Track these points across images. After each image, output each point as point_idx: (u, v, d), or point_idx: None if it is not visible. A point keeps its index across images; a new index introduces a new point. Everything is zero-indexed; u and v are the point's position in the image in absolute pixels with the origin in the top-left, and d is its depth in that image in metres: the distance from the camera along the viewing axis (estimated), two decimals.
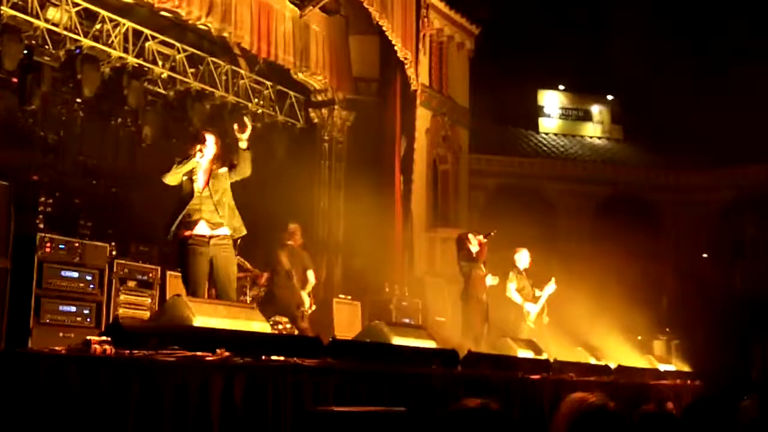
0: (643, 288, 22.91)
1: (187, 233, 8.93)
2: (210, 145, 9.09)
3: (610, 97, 32.73)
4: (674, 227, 28.65)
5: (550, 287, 14.63)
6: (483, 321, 13.62)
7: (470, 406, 3.54)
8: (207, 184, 9.07)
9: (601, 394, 4.28)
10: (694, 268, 27.05)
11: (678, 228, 28.55)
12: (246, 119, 9.40)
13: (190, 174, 9.01)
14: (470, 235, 13.89)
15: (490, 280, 13.88)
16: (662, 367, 15.50)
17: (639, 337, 19.10)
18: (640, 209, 28.53)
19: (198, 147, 8.97)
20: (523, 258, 14.68)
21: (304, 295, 13.05)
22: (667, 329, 21.73)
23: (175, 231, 8.98)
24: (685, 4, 30.18)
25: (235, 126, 9.25)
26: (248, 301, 12.91)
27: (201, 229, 8.99)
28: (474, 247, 13.70)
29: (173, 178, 8.99)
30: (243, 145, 9.19)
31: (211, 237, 9.01)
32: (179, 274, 12.12)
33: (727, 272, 26.46)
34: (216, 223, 9.05)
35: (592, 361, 13.18)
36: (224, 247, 9.07)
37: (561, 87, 32.43)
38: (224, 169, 9.16)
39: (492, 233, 13.97)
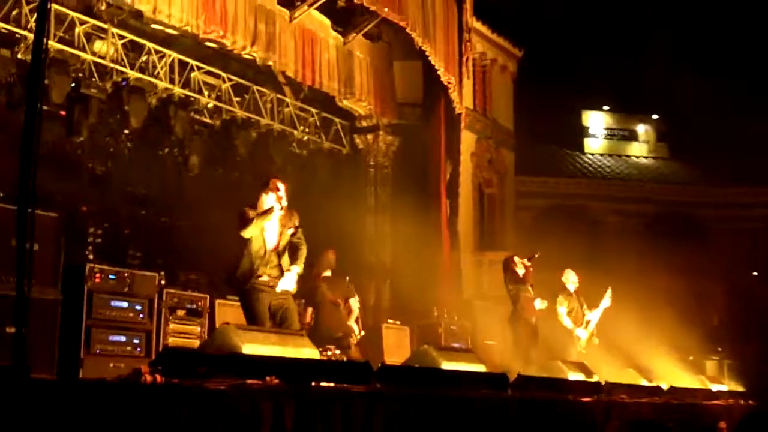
0: (693, 307, 22.69)
1: (251, 281, 8.94)
2: (284, 194, 9.10)
3: (654, 116, 32.54)
4: (723, 244, 28.34)
5: (606, 300, 14.50)
6: (532, 343, 13.55)
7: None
8: (279, 241, 9.11)
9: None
10: (744, 286, 26.74)
11: (727, 245, 28.23)
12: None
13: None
14: (516, 258, 13.84)
15: (539, 304, 13.79)
16: (714, 387, 15.32)
17: (690, 357, 18.89)
18: (687, 227, 28.29)
19: (276, 197, 8.98)
20: (570, 278, 14.58)
21: (352, 324, 13.02)
22: (719, 349, 21.48)
23: (240, 280, 8.98)
24: (727, 21, 29.98)
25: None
26: None
27: (264, 279, 9.02)
28: (520, 270, 13.65)
29: (253, 230, 8.96)
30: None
31: (272, 286, 9.04)
32: (228, 302, 12.26)
33: None
34: (278, 277, 9.08)
35: (644, 382, 13.06)
36: (285, 299, 9.11)
37: (605, 107, 32.31)
38: (291, 230, 9.18)
39: (536, 255, 13.90)
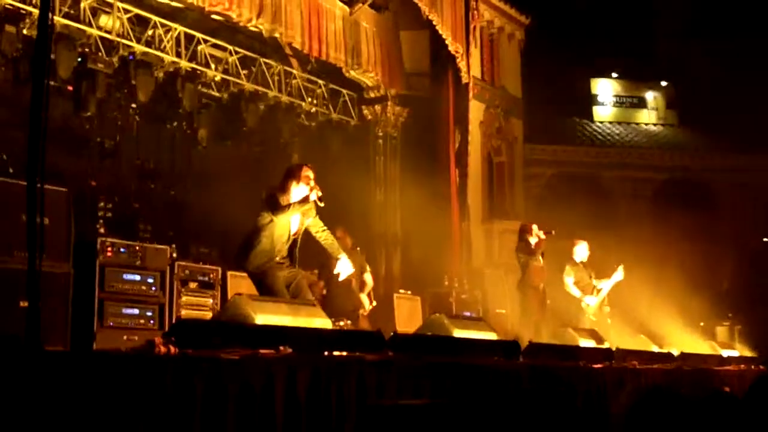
0: (704, 273, 22.68)
1: (267, 263, 8.98)
2: (315, 181, 9.10)
3: (664, 83, 32.40)
4: (733, 211, 28.27)
5: (618, 275, 14.52)
6: (540, 310, 13.59)
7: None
8: (299, 229, 9.16)
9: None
10: (754, 252, 26.72)
11: (737, 212, 28.16)
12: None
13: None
14: (534, 226, 13.80)
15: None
16: (725, 353, 15.33)
17: (701, 324, 18.91)
18: (698, 194, 28.21)
19: (309, 187, 8.98)
20: (581, 250, 14.59)
21: (363, 297, 13.03)
22: (730, 314, 21.49)
23: (256, 262, 9.01)
24: None
25: None
26: None
27: (278, 259, 9.07)
28: (533, 239, 13.65)
29: (287, 216, 8.99)
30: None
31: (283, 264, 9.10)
32: (240, 273, 12.26)
33: None
34: (286, 261, 9.16)
35: (655, 348, 13.08)
36: (296, 273, 9.17)
37: (614, 74, 32.16)
38: (310, 219, 9.22)
39: (552, 232, 13.87)
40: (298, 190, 9.01)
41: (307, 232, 9.31)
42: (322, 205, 9.07)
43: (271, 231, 8.98)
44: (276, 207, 8.90)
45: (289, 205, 8.90)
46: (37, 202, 5.12)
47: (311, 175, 9.11)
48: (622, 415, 4.08)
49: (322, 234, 9.40)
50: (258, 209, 9.06)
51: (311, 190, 8.94)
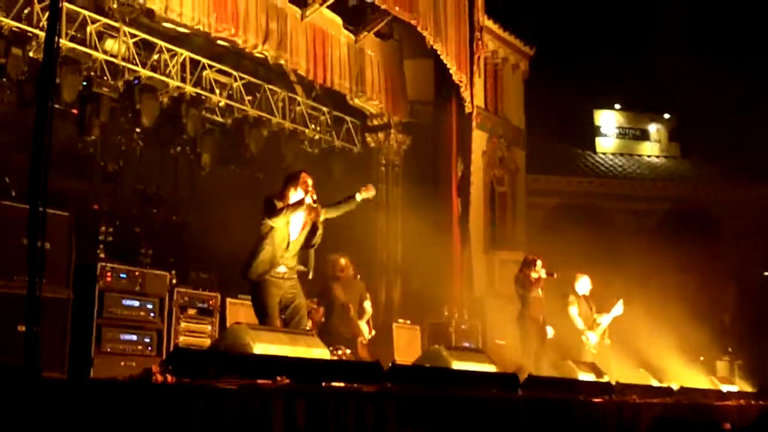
0: (705, 306, 22.66)
1: (269, 272, 8.97)
2: (312, 187, 9.14)
3: (666, 116, 32.48)
4: (735, 244, 28.30)
5: (617, 309, 14.49)
6: (540, 342, 13.55)
7: None
8: (299, 235, 9.17)
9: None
10: (755, 286, 26.70)
11: (739, 244, 28.18)
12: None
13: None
14: (539, 262, 13.72)
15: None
16: (725, 388, 15.31)
17: (701, 358, 18.87)
18: (699, 226, 28.22)
19: (308, 191, 9.03)
20: (583, 284, 14.56)
21: (362, 325, 13.00)
22: (730, 349, 21.46)
23: (258, 270, 8.99)
24: (739, 19, 29.93)
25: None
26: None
27: (281, 269, 9.07)
28: (535, 275, 13.59)
29: (282, 221, 9.00)
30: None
31: (285, 279, 9.11)
32: (239, 300, 12.26)
33: None
34: (293, 267, 9.17)
35: (654, 383, 13.05)
36: (296, 294, 9.17)
37: (617, 106, 32.26)
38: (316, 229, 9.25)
39: (555, 275, 13.81)
40: (296, 196, 9.07)
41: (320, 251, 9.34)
42: (316, 206, 9.10)
43: (272, 238, 9.01)
44: (271, 211, 8.93)
45: (282, 209, 8.92)
46: (39, 227, 5.11)
47: (309, 181, 9.16)
48: None
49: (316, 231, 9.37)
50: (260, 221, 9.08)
51: (306, 194, 8.96)
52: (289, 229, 9.09)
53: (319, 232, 9.28)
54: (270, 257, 8.98)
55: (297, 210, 8.98)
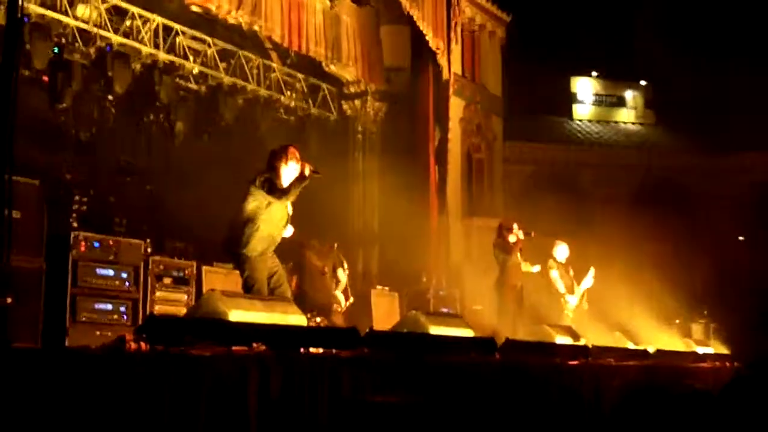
0: (680, 272, 22.73)
1: (261, 247, 8.91)
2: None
3: (643, 83, 32.51)
4: (709, 210, 28.40)
5: (588, 280, 14.53)
6: (518, 308, 13.57)
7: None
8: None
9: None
10: (730, 251, 26.83)
11: (713, 211, 28.28)
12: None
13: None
14: (515, 225, 13.73)
15: (532, 268, 13.80)
16: (701, 350, 15.37)
17: (677, 321, 18.96)
18: (675, 193, 28.32)
19: (301, 165, 8.88)
20: (561, 251, 14.59)
21: (338, 294, 12.95)
22: (705, 312, 21.56)
23: (258, 248, 8.92)
24: None
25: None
26: None
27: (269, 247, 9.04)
28: (512, 237, 13.59)
29: (292, 197, 8.91)
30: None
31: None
32: (215, 269, 12.18)
33: (762, 254, 26.24)
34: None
35: (631, 345, 13.07)
36: (277, 264, 9.15)
37: (594, 73, 32.26)
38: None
39: (532, 234, 13.83)
40: (288, 170, 8.90)
41: None
42: (320, 176, 8.99)
43: (269, 215, 8.89)
44: (276, 190, 8.79)
45: (290, 187, 8.80)
46: (6, 194, 5.01)
47: (297, 153, 9.03)
48: (612, 410, 4.05)
49: None
50: (244, 195, 8.91)
51: (303, 166, 8.86)
52: (288, 207, 9.01)
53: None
54: (268, 234, 8.90)
55: (305, 183, 8.85)
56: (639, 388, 3.81)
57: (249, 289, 8.76)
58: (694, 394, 4.69)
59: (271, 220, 8.90)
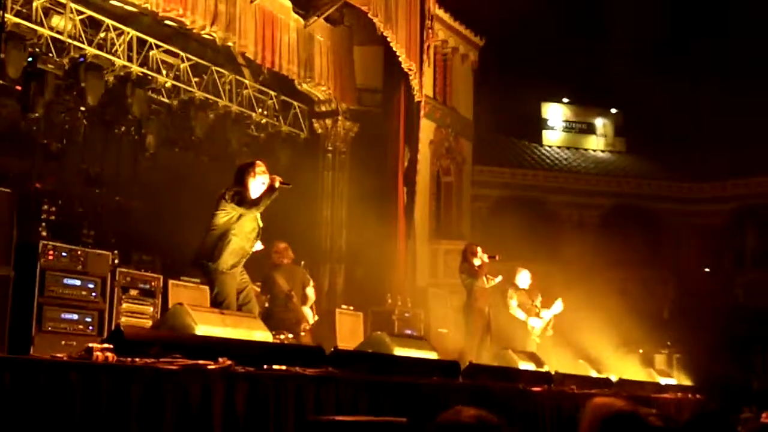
0: (646, 300, 22.91)
1: (239, 263, 8.97)
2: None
3: (613, 110, 32.73)
4: (676, 239, 28.66)
5: (557, 307, 14.63)
6: (485, 332, 13.64)
7: (465, 418, 3.29)
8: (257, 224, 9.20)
9: (628, 401, 4.28)
10: (695, 281, 27.05)
11: (680, 240, 28.56)
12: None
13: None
14: (479, 249, 13.83)
15: (495, 280, 13.88)
16: (663, 381, 15.50)
17: (641, 351, 19.09)
18: (642, 221, 28.53)
19: (269, 177, 9.01)
20: (523, 278, 14.70)
21: (306, 310, 12.96)
22: (669, 343, 21.72)
23: (229, 261, 8.97)
24: (687, 19, 30.25)
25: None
26: None
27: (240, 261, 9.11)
28: (477, 261, 13.68)
29: (262, 208, 9.04)
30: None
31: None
32: (182, 282, 12.19)
33: (728, 284, 26.49)
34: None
35: (594, 374, 13.17)
36: (246, 281, 9.28)
37: (564, 100, 32.43)
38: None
39: (496, 257, 13.93)
40: (255, 183, 9.02)
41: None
42: (290, 186, 9.12)
43: (240, 228, 8.98)
44: (245, 202, 8.88)
45: (260, 198, 8.90)
46: None
47: (264, 167, 9.14)
48: None
49: None
50: (215, 209, 8.98)
51: (273, 179, 8.92)
52: (258, 219, 9.07)
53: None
54: (239, 247, 8.95)
55: (273, 196, 8.93)
56: (609, 417, 3.83)
57: (218, 305, 8.79)
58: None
59: (242, 232, 8.97)
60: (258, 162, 9.26)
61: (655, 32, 30.08)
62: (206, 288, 11.84)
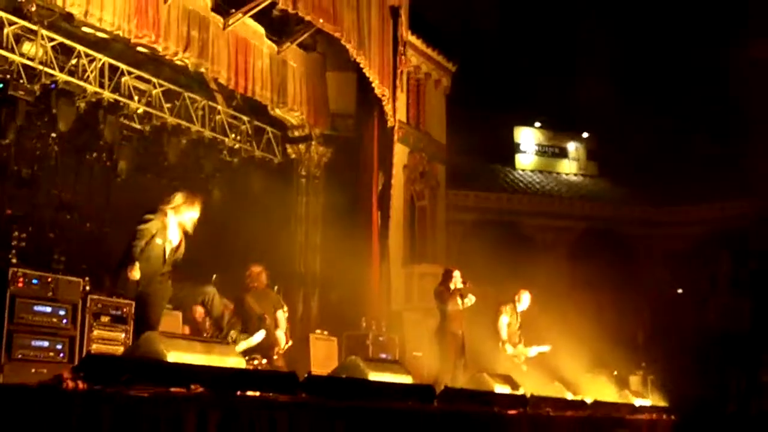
0: (620, 322, 22.96)
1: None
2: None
3: (585, 135, 32.91)
4: (649, 262, 28.80)
5: (544, 348, 14.72)
6: (459, 355, 13.61)
7: None
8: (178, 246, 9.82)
9: None
10: (668, 303, 27.14)
11: (653, 263, 28.69)
12: None
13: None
14: (456, 273, 13.84)
15: (468, 300, 13.87)
16: (638, 402, 15.48)
17: (615, 372, 19.08)
18: (615, 245, 28.67)
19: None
20: (525, 299, 14.71)
21: (279, 334, 12.88)
22: (643, 364, 21.75)
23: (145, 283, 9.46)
24: (657, 45, 30.52)
25: None
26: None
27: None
28: (452, 285, 13.68)
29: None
30: None
31: None
32: None
33: (701, 307, 26.60)
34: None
35: (569, 396, 13.14)
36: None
37: (537, 124, 32.60)
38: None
39: (466, 284, 13.94)
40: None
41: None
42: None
43: (156, 252, 9.90)
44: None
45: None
46: None
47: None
48: None
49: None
50: None
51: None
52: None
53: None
54: (154, 270, 9.84)
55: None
56: None
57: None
58: None
59: (162, 253, 9.79)
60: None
61: (626, 57, 30.32)
62: (179, 313, 11.88)
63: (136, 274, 9.68)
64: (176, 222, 9.73)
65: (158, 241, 9.68)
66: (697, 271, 28.11)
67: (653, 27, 30.78)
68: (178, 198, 9.78)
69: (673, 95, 29.28)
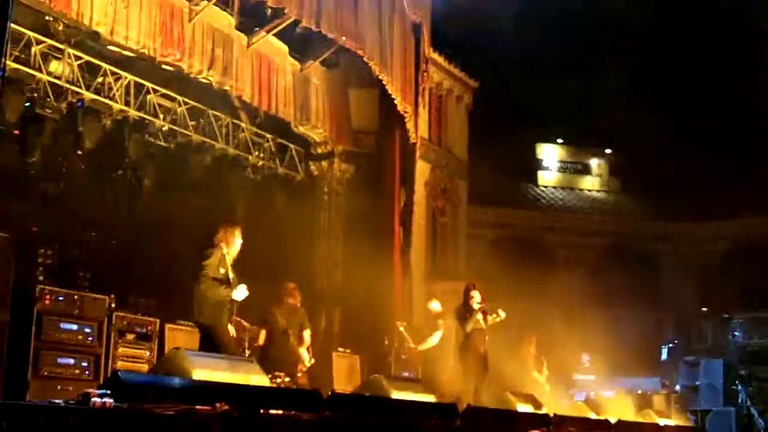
0: (643, 340, 22.87)
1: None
2: None
3: (608, 151, 32.86)
4: (672, 279, 28.68)
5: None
6: (482, 373, 13.61)
7: None
8: None
9: None
10: (692, 320, 27.03)
11: (676, 279, 28.56)
12: None
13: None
14: (476, 292, 13.91)
15: (499, 318, 13.94)
16: (662, 422, 15.41)
17: (639, 391, 19.02)
18: (637, 261, 28.58)
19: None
20: None
21: (303, 352, 12.93)
22: (667, 382, 21.66)
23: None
24: (679, 61, 30.45)
25: None
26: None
27: None
28: (474, 303, 13.72)
29: None
30: None
31: None
32: (178, 326, 12.24)
33: (723, 322, 26.45)
34: None
35: (592, 415, 13.11)
36: None
37: (559, 140, 32.58)
38: None
39: (482, 304, 14.03)
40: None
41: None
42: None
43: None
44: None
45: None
46: None
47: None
48: None
49: None
50: None
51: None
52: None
53: None
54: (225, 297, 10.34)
55: None
56: None
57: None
58: None
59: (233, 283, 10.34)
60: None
61: (649, 73, 30.27)
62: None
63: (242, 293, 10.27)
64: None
65: (221, 270, 10.19)
66: (721, 286, 27.97)
67: (675, 43, 30.71)
68: (221, 234, 10.40)
69: (695, 111, 29.21)
